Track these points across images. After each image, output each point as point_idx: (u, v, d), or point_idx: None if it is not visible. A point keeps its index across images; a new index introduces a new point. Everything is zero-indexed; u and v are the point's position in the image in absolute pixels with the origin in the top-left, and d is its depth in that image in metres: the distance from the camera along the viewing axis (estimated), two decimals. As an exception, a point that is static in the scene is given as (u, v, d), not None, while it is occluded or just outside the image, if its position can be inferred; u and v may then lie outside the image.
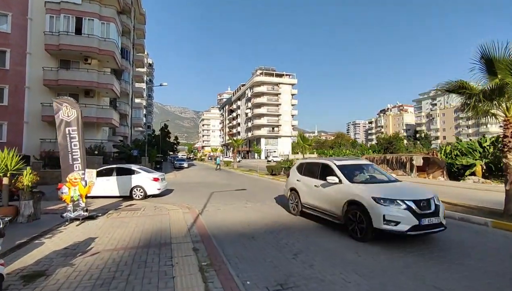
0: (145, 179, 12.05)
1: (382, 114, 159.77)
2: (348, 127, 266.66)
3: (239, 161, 47.86)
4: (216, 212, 9.13)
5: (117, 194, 11.82)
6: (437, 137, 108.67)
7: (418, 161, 22.83)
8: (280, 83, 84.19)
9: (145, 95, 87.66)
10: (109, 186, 11.78)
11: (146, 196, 11.98)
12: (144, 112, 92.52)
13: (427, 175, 24.35)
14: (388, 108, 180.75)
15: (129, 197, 11.85)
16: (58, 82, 23.65)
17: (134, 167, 12.66)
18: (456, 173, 25.00)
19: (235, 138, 54.14)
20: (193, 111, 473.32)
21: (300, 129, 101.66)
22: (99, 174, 11.92)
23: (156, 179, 12.25)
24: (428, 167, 24.26)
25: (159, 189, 12.29)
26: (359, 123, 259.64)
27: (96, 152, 21.11)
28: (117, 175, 11.99)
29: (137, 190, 11.87)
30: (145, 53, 79.05)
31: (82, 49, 23.89)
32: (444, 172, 23.28)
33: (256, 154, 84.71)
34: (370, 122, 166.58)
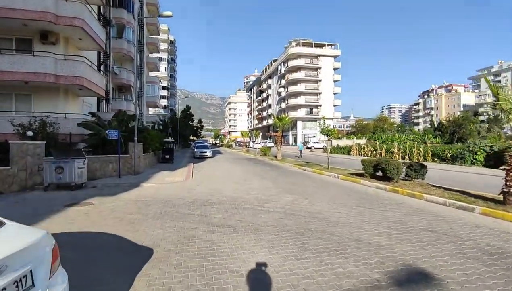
0: None
1: (432, 94, 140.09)
2: (382, 112, 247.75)
3: (268, 148, 36.25)
4: None
5: None
6: (509, 120, 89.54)
7: None
8: (320, 56, 70.58)
9: (164, 72, 78.26)
10: None
11: None
12: (166, 93, 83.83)
13: None
14: (432, 89, 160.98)
15: None
16: (-15, 12, 13.44)
17: None
18: None
19: (278, 115, 41.72)
20: (219, 97, 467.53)
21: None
22: None
23: None
24: None
25: None
26: (395, 107, 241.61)
27: (30, 133, 10.77)
28: None
29: None
30: (161, 26, 69.15)
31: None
32: None
33: (292, 139, 72.93)
34: (416, 104, 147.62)
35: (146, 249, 4.65)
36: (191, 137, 68.32)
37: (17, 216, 6.80)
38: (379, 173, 11.65)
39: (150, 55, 44.47)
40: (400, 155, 26.83)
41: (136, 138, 13.63)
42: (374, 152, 30.59)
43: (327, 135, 15.84)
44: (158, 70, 48.89)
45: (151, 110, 60.88)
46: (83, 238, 5.20)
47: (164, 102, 79.88)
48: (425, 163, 10.92)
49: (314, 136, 65.48)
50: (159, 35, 48.08)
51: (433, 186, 9.61)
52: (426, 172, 10.39)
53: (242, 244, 4.85)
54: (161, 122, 47.36)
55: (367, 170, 11.56)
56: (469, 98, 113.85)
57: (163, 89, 79.52)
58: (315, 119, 70.35)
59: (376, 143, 32.59)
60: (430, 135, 72.29)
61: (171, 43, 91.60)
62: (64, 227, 5.83)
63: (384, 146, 30.49)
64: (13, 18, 13.73)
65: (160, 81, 54.99)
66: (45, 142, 10.92)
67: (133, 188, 10.79)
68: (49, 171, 9.93)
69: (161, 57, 74.55)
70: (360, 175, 12.53)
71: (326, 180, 12.61)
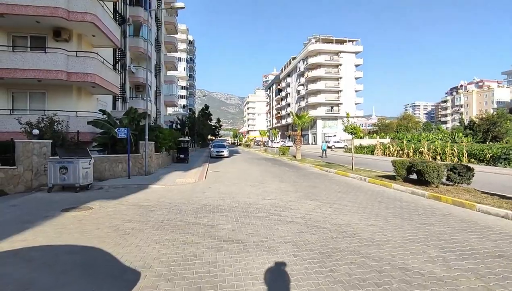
0: None
1: (461, 91, 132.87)
2: (406, 110, 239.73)
3: (287, 147, 34.87)
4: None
5: None
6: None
7: None
8: (341, 52, 68.17)
9: (183, 71, 78.79)
10: None
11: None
12: (185, 93, 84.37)
13: None
14: (461, 86, 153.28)
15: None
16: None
17: None
18: None
19: (298, 112, 39.83)
20: (239, 97, 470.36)
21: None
22: None
23: None
24: None
25: None
26: (419, 105, 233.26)
27: (36, 132, 10.29)
28: None
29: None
30: (179, 26, 69.44)
31: None
32: None
33: (311, 139, 71.12)
34: (444, 102, 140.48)
35: (132, 272, 3.72)
36: (209, 136, 68.29)
37: (6, 221, 6.14)
38: (413, 176, 10.26)
39: (168, 54, 44.42)
40: (431, 155, 24.81)
41: (147, 137, 12.95)
42: (401, 152, 28.63)
43: (352, 134, 14.43)
44: (176, 70, 48.81)
45: (170, 110, 61.22)
46: (63, 254, 4.36)
47: (183, 102, 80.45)
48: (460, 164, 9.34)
49: (334, 135, 63.39)
50: (177, 34, 47.98)
51: (483, 192, 8.12)
52: (473, 176, 8.87)
53: (252, 269, 3.81)
54: (179, 121, 47.34)
55: (399, 172, 10.17)
56: (503, 94, 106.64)
57: (182, 89, 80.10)
58: (335, 118, 68.21)
59: (403, 142, 30.47)
60: (461, 134, 67.97)
61: (190, 43, 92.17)
62: (49, 238, 5.05)
63: (412, 145, 28.37)
64: (25, 14, 13.46)
65: (178, 80, 55.00)
66: (51, 141, 10.43)
67: (140, 190, 10.06)
68: (53, 171, 9.37)
69: (180, 57, 75.02)
70: (390, 178, 11.14)
71: (351, 183, 11.31)
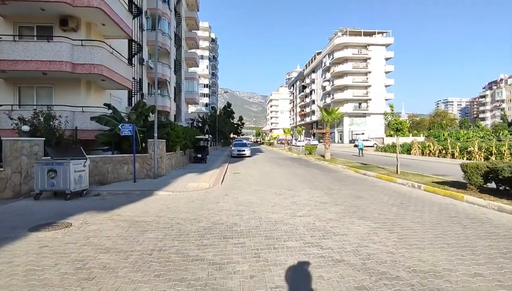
0: None
1: (502, 85, 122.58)
2: (438, 106, 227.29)
3: (314, 146, 31.78)
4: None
5: None
6: None
7: None
8: (369, 45, 63.97)
9: (206, 69, 78.18)
10: None
11: None
12: (208, 91, 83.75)
13: None
14: (501, 79, 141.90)
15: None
16: (1, -3, 12.25)
17: None
18: None
19: (327, 107, 36.61)
20: (261, 96, 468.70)
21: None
22: None
23: None
24: None
25: None
26: (453, 101, 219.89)
27: (25, 128, 8.87)
28: None
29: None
30: (201, 23, 68.51)
31: None
32: None
33: (338, 137, 67.68)
34: (482, 97, 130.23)
35: None
36: (231, 135, 67.00)
37: None
38: (491, 184, 7.75)
39: (189, 50, 43.30)
40: (482, 155, 21.50)
41: (156, 135, 11.27)
42: (444, 151, 25.31)
43: (397, 130, 11.95)
44: (198, 66, 47.68)
45: (193, 108, 60.53)
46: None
47: (205, 100, 79.91)
48: None
49: (362, 133, 59.75)
50: (198, 30, 46.82)
51: None
52: None
53: None
54: (200, 119, 46.25)
55: (473, 179, 7.66)
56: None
57: (204, 87, 79.57)
58: (363, 115, 64.44)
59: (447, 140, 27.06)
60: (506, 131, 61.99)
61: (213, 41, 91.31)
62: (-26, 284, 3.33)
63: (458, 144, 24.96)
64: (28, 0, 12.30)
65: (200, 77, 54.00)
66: (43, 139, 8.99)
67: (142, 197, 8.35)
68: (41, 174, 7.89)
69: (202, 55, 74.39)
70: (455, 186, 8.65)
71: (402, 192, 8.92)
